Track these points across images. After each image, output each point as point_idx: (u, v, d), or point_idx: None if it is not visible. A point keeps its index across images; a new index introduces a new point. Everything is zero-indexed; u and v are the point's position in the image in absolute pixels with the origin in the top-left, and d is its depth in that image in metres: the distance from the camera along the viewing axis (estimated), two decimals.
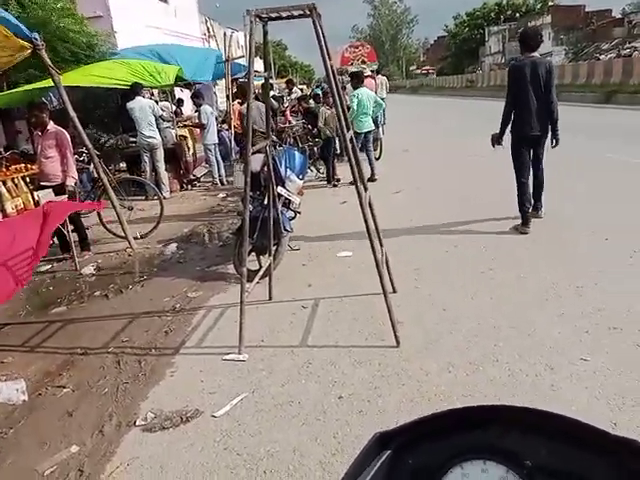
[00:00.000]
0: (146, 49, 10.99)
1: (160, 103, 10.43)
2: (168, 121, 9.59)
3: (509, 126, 5.33)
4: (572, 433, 0.58)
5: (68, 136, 5.71)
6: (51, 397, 3.18)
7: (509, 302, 3.74)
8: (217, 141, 9.87)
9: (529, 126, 5.18)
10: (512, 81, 5.30)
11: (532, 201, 5.46)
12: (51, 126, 5.65)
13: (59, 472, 2.50)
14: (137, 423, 2.78)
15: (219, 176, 9.90)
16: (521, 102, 5.17)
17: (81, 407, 3.03)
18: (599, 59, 29.12)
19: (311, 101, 11.52)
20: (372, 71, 13.14)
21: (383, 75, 12.23)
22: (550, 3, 52.63)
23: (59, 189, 5.55)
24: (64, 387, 3.27)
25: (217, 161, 9.86)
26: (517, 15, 56.75)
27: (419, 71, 66.08)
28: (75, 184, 5.91)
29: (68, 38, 9.43)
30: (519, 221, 5.32)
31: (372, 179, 8.34)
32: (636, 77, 18.92)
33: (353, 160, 3.33)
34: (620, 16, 44.99)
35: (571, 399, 2.57)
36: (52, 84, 5.70)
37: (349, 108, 7.84)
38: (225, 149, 10.43)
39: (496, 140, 5.50)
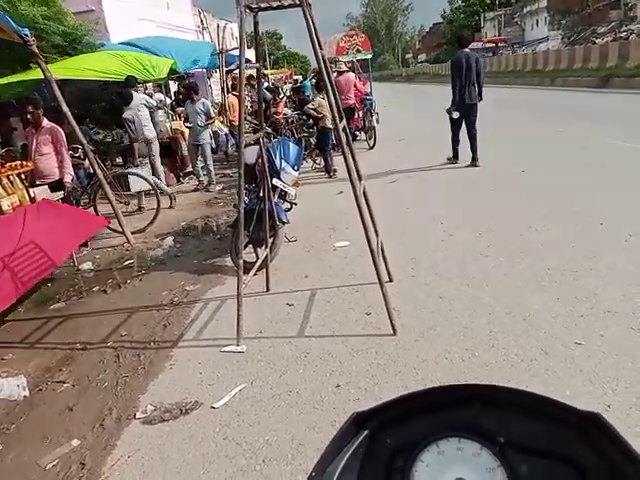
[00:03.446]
0: (137, 42, 10.94)
1: (155, 95, 10.35)
2: (160, 109, 9.48)
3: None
4: (542, 410, 0.59)
5: (63, 132, 5.70)
6: (51, 392, 3.21)
7: (505, 288, 3.76)
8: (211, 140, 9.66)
9: (468, 97, 7.61)
10: (454, 69, 7.65)
11: (460, 141, 8.12)
12: (45, 122, 5.64)
13: (61, 466, 2.53)
14: (137, 416, 2.81)
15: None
16: (461, 82, 7.55)
17: (81, 401, 3.06)
18: (595, 43, 28.92)
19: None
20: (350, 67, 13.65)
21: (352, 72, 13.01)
22: None
23: (55, 186, 5.55)
24: (64, 382, 3.29)
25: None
26: (512, 0, 56.23)
27: (480, 44, 45.70)
28: (72, 180, 5.91)
29: (49, 28, 9.11)
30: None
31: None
32: (632, 60, 18.81)
33: (347, 150, 3.33)
34: None
35: (566, 383, 2.60)
36: (41, 75, 5.66)
37: None
38: (218, 142, 10.38)
39: (452, 111, 7.80)
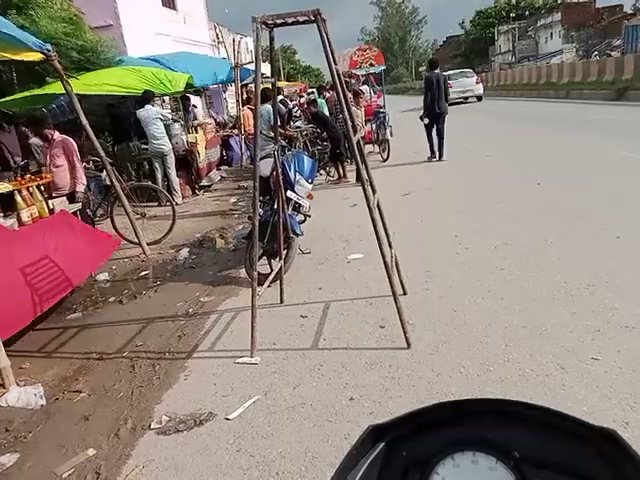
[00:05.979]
0: (153, 58, 11.16)
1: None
2: (176, 122, 9.61)
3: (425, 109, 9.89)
4: (557, 424, 0.60)
5: (74, 143, 5.81)
6: (68, 401, 3.25)
7: (520, 302, 3.73)
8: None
9: (437, 108, 9.67)
10: (426, 85, 9.79)
11: (435, 148, 10.08)
12: (57, 135, 5.75)
13: (77, 475, 2.55)
14: (152, 426, 2.83)
15: None
16: (431, 96, 9.66)
17: (97, 411, 3.09)
18: (610, 55, 28.75)
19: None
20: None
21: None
22: (560, 0, 52.03)
23: (71, 197, 5.65)
24: (80, 392, 3.33)
25: None
26: (527, 13, 56.29)
27: None
28: (89, 189, 6.00)
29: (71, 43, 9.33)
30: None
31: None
32: None
33: (360, 163, 3.36)
34: (631, 11, 44.37)
35: (582, 398, 2.56)
36: (62, 89, 5.78)
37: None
38: (233, 154, 10.53)
39: (424, 118, 9.89)
